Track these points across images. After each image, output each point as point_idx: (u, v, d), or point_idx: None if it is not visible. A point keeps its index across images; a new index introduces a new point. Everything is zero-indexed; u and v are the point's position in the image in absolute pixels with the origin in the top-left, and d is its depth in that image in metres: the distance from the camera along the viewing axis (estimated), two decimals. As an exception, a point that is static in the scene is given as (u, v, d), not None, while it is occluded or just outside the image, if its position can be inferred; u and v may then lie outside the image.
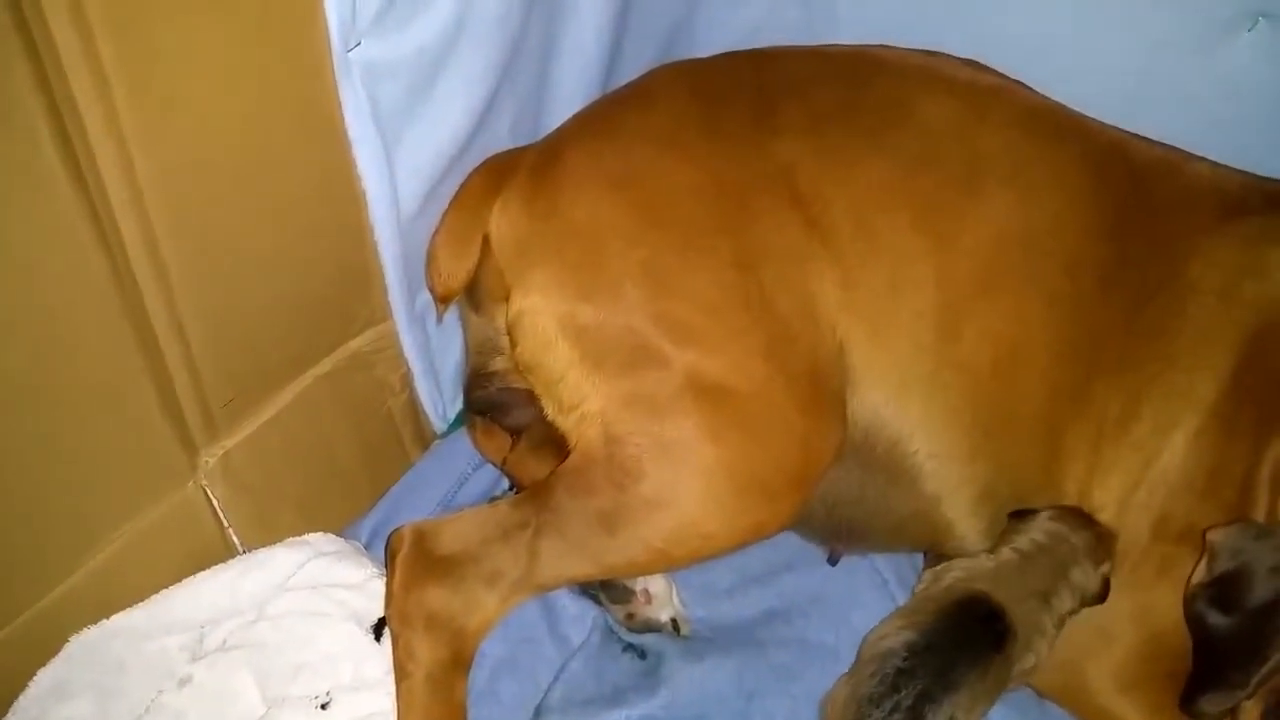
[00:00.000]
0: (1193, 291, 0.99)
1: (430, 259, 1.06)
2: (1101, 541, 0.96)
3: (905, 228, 0.99)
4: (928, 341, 0.98)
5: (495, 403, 1.11)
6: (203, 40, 0.78)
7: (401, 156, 0.97)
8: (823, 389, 0.95)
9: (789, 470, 0.93)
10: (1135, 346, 0.99)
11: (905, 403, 0.99)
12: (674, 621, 1.05)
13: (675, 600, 1.06)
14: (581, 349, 0.93)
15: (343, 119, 0.90)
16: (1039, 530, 0.97)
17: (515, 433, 1.13)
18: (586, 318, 0.93)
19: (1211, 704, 0.82)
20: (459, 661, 0.92)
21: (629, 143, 1.01)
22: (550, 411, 0.97)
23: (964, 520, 1.02)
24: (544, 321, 0.95)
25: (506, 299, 0.98)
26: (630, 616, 1.05)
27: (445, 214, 1.05)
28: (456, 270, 1.03)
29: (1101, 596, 0.97)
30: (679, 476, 0.91)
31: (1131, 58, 1.09)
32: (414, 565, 0.93)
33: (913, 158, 1.01)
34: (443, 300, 1.06)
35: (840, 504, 1.03)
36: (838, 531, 1.06)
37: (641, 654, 1.03)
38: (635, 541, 0.91)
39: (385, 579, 0.95)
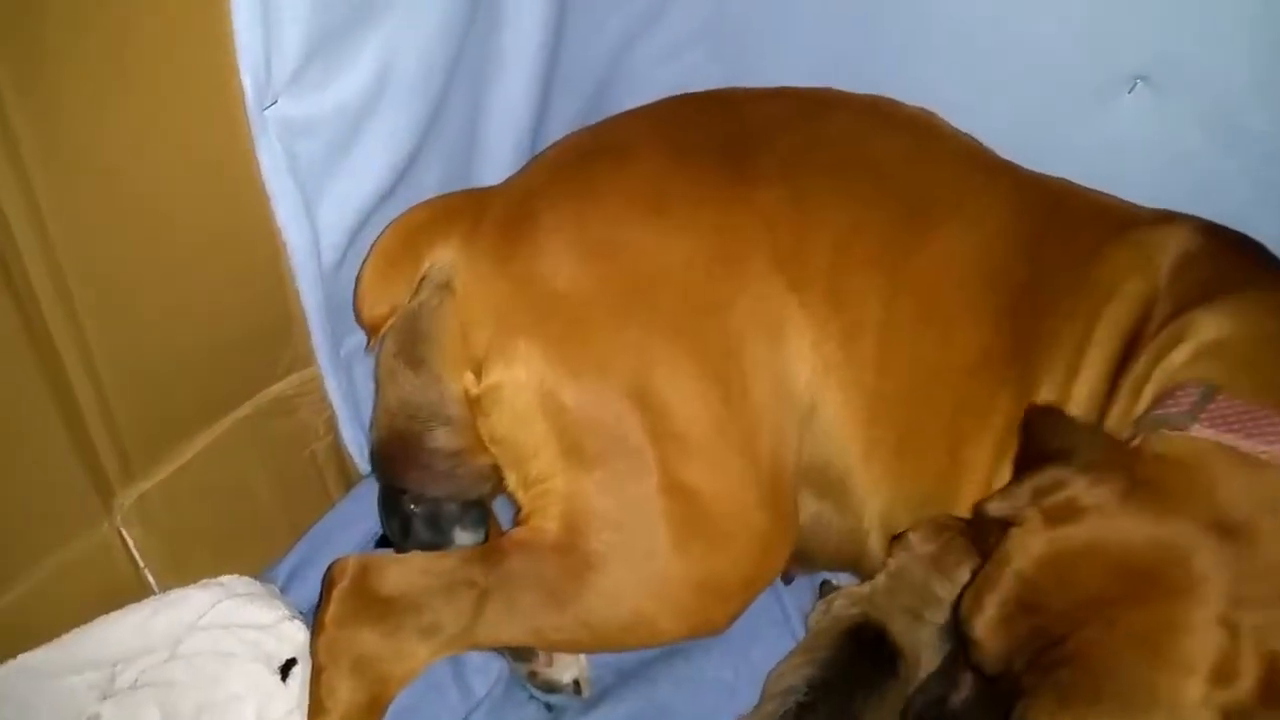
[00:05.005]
0: (1088, 295, 0.98)
1: (359, 284, 1.02)
2: (949, 550, 0.97)
3: (863, 270, 0.99)
4: (869, 384, 0.99)
5: (429, 495, 1.05)
6: (114, 99, 0.79)
7: (323, 210, 0.99)
8: (782, 483, 0.96)
9: (746, 572, 0.95)
10: (1034, 355, 0.99)
11: (853, 440, 1.00)
12: (576, 683, 1.04)
13: (580, 660, 1.05)
14: (560, 428, 0.91)
15: (260, 174, 0.92)
16: (901, 551, 1.00)
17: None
18: (570, 397, 0.91)
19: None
20: (375, 707, 0.92)
21: (611, 206, 0.98)
22: (511, 484, 0.96)
23: (874, 534, 1.04)
24: (525, 397, 0.92)
25: (473, 367, 0.95)
26: (533, 675, 1.04)
27: (378, 240, 1.01)
28: (387, 296, 1.00)
29: None
30: (639, 578, 0.91)
31: (1018, 121, 1.13)
32: (351, 601, 0.92)
33: (870, 194, 1.01)
34: (372, 329, 1.02)
35: (801, 531, 1.03)
36: (797, 554, 1.05)
37: (548, 706, 1.04)
38: (582, 626, 0.92)
39: (317, 609, 0.94)
